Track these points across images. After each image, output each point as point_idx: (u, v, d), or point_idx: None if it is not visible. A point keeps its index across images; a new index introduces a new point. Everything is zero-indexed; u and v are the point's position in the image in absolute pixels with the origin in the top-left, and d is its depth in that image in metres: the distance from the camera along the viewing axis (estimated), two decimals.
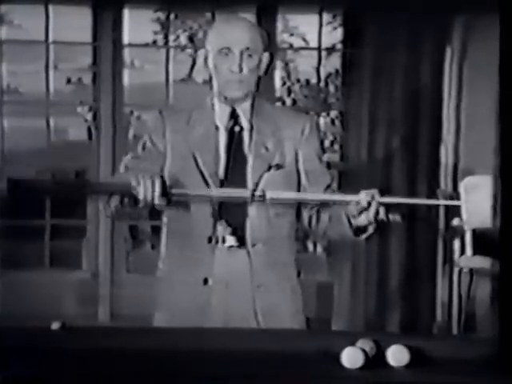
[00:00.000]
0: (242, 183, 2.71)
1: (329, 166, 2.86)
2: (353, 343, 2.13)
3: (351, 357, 2.07)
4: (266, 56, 2.74)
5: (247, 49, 2.68)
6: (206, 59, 2.75)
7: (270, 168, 2.73)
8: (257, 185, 2.70)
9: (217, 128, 2.76)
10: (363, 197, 2.57)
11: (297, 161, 2.78)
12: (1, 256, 5.19)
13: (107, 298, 5.24)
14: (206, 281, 2.74)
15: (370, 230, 2.66)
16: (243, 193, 2.66)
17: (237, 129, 2.75)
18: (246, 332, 2.51)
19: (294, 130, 2.77)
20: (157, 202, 2.54)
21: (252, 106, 2.77)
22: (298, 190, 2.78)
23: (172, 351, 2.22)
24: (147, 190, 2.51)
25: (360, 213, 2.59)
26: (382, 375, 2.06)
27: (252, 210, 2.71)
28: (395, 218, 2.69)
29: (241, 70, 2.68)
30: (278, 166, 2.74)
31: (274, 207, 2.72)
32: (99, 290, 5.24)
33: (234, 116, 2.76)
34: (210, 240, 2.73)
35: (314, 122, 2.82)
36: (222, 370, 2.09)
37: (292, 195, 2.75)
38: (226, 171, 2.73)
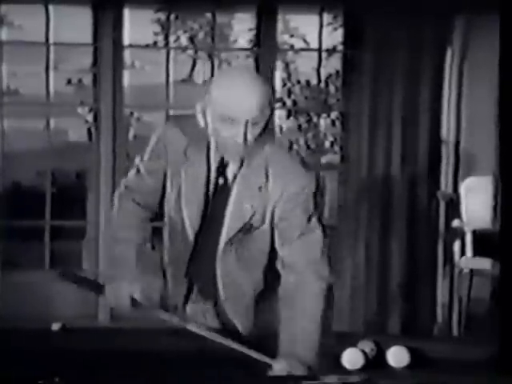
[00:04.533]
0: (217, 236, 2.52)
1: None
2: (353, 344, 2.12)
3: (352, 358, 2.07)
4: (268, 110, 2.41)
5: (254, 119, 2.34)
6: (204, 113, 2.41)
7: (244, 229, 2.49)
8: (230, 239, 2.50)
9: (209, 169, 2.50)
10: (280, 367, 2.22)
11: (273, 218, 2.48)
12: (1, 256, 5.19)
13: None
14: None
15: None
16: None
17: (221, 181, 2.50)
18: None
19: (281, 189, 2.45)
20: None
21: (246, 153, 2.43)
22: (272, 245, 2.51)
23: (172, 351, 2.22)
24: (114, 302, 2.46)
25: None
26: (382, 376, 2.06)
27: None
28: None
29: (245, 139, 2.35)
30: (253, 228, 2.50)
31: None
32: None
33: (222, 164, 2.48)
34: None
35: (310, 185, 2.47)
36: (223, 371, 2.09)
37: (214, 336, 2.41)
38: (204, 220, 2.53)
